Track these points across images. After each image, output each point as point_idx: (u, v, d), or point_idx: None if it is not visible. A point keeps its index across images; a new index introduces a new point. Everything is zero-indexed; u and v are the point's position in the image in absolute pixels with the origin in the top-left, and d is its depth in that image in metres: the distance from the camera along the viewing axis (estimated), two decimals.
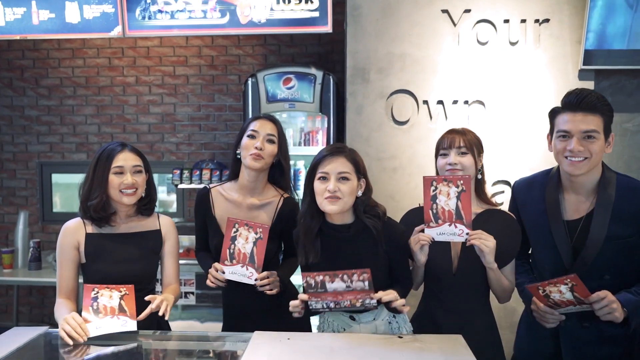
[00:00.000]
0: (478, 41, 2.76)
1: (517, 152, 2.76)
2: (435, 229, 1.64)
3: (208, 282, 1.82)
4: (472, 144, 1.72)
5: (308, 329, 1.99)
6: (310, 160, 3.70)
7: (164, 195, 4.21)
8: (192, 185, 3.55)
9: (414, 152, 2.81)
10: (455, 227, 1.63)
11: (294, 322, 1.82)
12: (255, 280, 1.77)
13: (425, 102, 2.80)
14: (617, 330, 1.62)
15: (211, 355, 1.72)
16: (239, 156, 1.94)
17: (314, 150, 3.44)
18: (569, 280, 1.50)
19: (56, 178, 4.24)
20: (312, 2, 2.98)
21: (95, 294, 1.66)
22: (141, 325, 1.66)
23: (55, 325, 1.67)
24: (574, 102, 1.59)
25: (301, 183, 3.47)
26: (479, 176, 1.76)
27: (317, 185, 1.64)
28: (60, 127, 4.21)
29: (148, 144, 4.14)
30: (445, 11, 2.76)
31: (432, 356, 1.47)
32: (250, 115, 3.25)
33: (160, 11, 3.06)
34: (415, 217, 1.76)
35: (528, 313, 1.77)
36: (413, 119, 2.82)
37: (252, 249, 1.77)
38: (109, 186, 1.78)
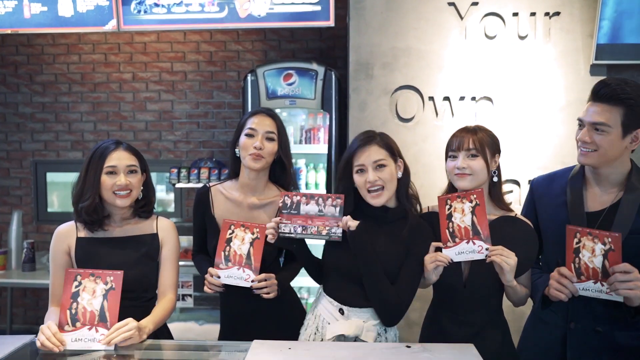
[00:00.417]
0: (486, 35, 2.68)
1: (526, 150, 2.68)
2: (454, 249, 1.57)
3: (205, 289, 1.75)
4: (484, 145, 1.60)
5: None
6: (312, 159, 3.58)
7: (163, 194, 4.14)
8: (190, 185, 3.48)
9: (419, 150, 2.73)
10: (474, 243, 1.55)
11: (293, 330, 1.78)
12: (252, 282, 1.69)
13: (431, 98, 2.71)
14: (634, 342, 1.53)
15: None
16: (237, 154, 1.85)
17: (316, 148, 3.36)
18: (610, 239, 1.42)
19: (51, 177, 4.17)
20: None
21: (76, 287, 1.56)
22: None
23: None
24: (595, 90, 1.52)
25: (302, 182, 3.38)
26: (495, 179, 1.65)
27: (357, 178, 1.63)
28: (55, 125, 4.13)
29: (145, 142, 4.06)
30: (451, 4, 2.68)
31: None
32: None
33: (156, 4, 2.97)
34: (428, 221, 1.67)
35: (535, 314, 1.69)
36: (418, 115, 2.73)
37: (249, 250, 1.70)
38: (101, 187, 1.68)
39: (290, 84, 3.20)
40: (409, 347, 1.53)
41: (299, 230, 1.64)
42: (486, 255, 1.53)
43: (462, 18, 2.68)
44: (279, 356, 1.47)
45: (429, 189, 2.63)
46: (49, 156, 4.14)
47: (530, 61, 2.65)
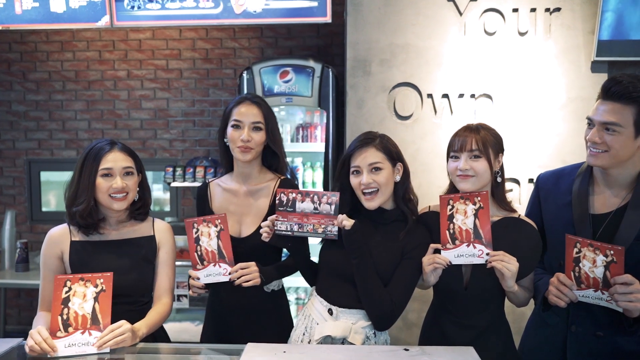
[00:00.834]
0: (485, 31, 2.63)
1: (526, 148, 2.64)
2: (453, 251, 1.53)
3: (190, 292, 1.72)
4: (487, 145, 1.55)
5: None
6: (309, 157, 3.55)
7: (160, 193, 4.10)
8: (186, 184, 3.45)
9: (417, 149, 2.68)
10: (474, 247, 1.51)
11: (278, 330, 1.77)
12: (230, 274, 1.66)
13: (430, 95, 2.67)
14: (635, 347, 1.48)
15: None
16: (227, 143, 1.82)
17: (312, 146, 3.32)
18: (612, 252, 1.37)
19: (45, 176, 4.12)
20: None
21: (66, 292, 1.52)
22: None
23: None
24: (606, 88, 1.46)
25: (299, 181, 3.34)
26: (498, 179, 1.60)
27: (352, 180, 1.62)
28: (49, 123, 4.08)
29: (140, 140, 4.02)
30: (450, 0, 2.62)
31: None
32: None
33: (150, 0, 2.91)
34: (429, 220, 1.63)
35: (536, 314, 1.66)
36: (417, 113, 2.69)
37: (218, 244, 1.67)
38: (96, 190, 1.63)
39: (286, 82, 3.16)
40: (407, 350, 1.49)
41: (295, 228, 1.62)
42: (486, 261, 1.49)
43: (461, 14, 2.63)
44: (274, 359, 1.43)
45: (428, 188, 2.60)
46: (42, 155, 4.10)
47: (530, 58, 2.61)
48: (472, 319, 1.58)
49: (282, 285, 1.88)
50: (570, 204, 1.57)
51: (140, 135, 4.02)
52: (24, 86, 4.06)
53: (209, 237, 1.67)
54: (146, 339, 1.60)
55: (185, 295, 3.41)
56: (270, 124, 1.80)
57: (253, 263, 1.69)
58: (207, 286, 1.70)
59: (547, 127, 2.63)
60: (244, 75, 3.21)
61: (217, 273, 1.67)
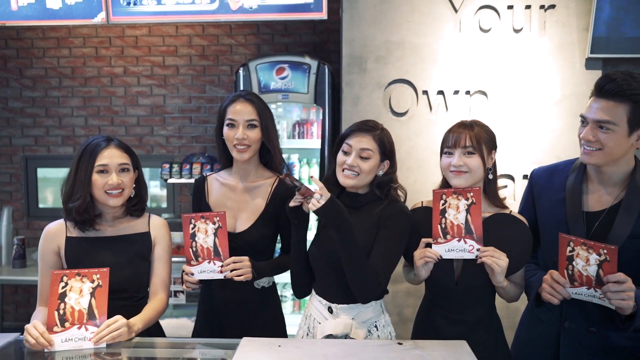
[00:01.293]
0: (480, 28, 2.64)
1: (521, 144, 2.65)
2: (444, 245, 1.54)
3: (183, 287, 1.73)
4: (481, 142, 1.56)
5: (282, 330, 1.90)
6: (305, 154, 3.55)
7: (157, 189, 4.10)
8: (182, 180, 3.45)
9: (412, 146, 2.70)
10: (465, 242, 1.53)
11: (271, 327, 1.78)
12: (223, 269, 1.67)
13: (425, 92, 2.68)
14: (627, 342, 1.49)
15: None
16: (224, 139, 1.82)
17: (309, 143, 3.33)
18: (606, 251, 1.37)
19: (42, 172, 4.12)
20: None
21: (63, 288, 1.53)
22: None
23: None
24: (599, 86, 1.45)
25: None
26: (490, 176, 1.61)
27: (340, 156, 1.64)
28: (46, 120, 4.07)
29: (137, 137, 4.02)
30: None
31: None
32: None
33: None
34: (421, 215, 1.64)
35: (530, 310, 1.67)
36: (412, 110, 2.70)
37: (214, 241, 1.67)
38: (92, 186, 1.63)
39: (282, 78, 3.17)
40: (400, 344, 1.51)
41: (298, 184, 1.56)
42: (477, 256, 1.51)
43: (456, 11, 2.64)
44: (269, 353, 1.44)
45: (422, 185, 2.62)
46: (39, 151, 4.10)
47: (525, 55, 2.62)
48: (463, 313, 1.59)
49: (273, 282, 1.89)
50: (564, 201, 1.58)
51: (136, 132, 4.02)
52: (20, 83, 4.06)
53: (205, 234, 1.68)
54: (142, 334, 1.61)
55: (182, 292, 3.42)
56: (264, 121, 1.80)
57: (246, 258, 1.70)
58: (201, 282, 1.71)
59: (541, 124, 2.64)
60: (241, 71, 3.21)
61: (211, 270, 1.68)
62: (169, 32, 3.92)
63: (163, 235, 1.77)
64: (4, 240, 3.39)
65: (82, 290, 1.54)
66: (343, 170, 1.61)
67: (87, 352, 1.49)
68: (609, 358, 1.52)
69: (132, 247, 1.71)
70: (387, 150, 1.63)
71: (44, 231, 1.69)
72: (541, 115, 2.64)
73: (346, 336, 1.58)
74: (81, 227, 1.67)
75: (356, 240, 1.52)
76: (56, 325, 1.51)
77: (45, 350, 1.47)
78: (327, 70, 3.17)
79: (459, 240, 1.53)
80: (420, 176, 2.66)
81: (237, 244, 1.75)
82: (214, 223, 1.67)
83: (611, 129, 1.43)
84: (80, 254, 1.66)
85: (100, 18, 2.95)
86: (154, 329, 1.73)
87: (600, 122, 1.44)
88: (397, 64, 2.68)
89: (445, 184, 1.67)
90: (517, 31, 2.63)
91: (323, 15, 2.88)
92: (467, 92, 2.66)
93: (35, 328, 1.47)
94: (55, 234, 1.68)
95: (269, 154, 1.86)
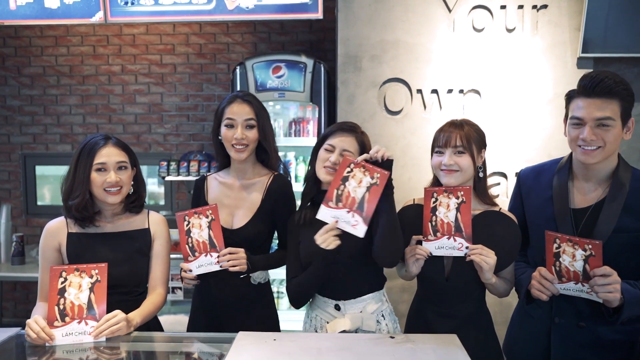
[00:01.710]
0: (474, 28, 2.68)
1: (513, 142, 2.69)
2: (434, 243, 1.58)
3: (183, 284, 1.78)
4: (471, 141, 1.59)
5: (276, 325, 1.93)
6: (301, 152, 3.58)
7: (155, 187, 4.12)
8: (180, 178, 3.46)
9: (407, 144, 2.73)
10: (455, 240, 1.56)
11: (265, 322, 1.80)
12: (219, 261, 1.71)
13: (419, 91, 2.72)
14: (616, 335, 1.53)
15: (195, 356, 1.64)
16: (222, 141, 1.85)
17: (305, 141, 3.36)
18: (590, 246, 1.41)
19: (40, 170, 4.14)
20: None
21: (62, 283, 1.56)
22: None
23: None
24: (588, 86, 1.47)
25: (291, 175, 3.38)
26: (480, 174, 1.64)
27: (322, 153, 1.68)
28: (44, 118, 4.09)
29: (134, 135, 4.04)
30: None
31: (426, 358, 1.39)
32: None
33: None
34: (413, 212, 1.67)
35: (521, 307, 1.70)
36: (406, 108, 2.73)
37: (209, 234, 1.71)
38: (91, 184, 1.66)
39: (279, 77, 3.19)
40: (392, 337, 1.54)
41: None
42: (466, 254, 1.54)
43: (450, 11, 2.67)
44: (264, 347, 1.47)
45: (417, 182, 2.65)
46: (37, 149, 4.11)
47: (518, 54, 2.66)
48: (454, 309, 1.63)
49: (268, 279, 1.93)
50: (551, 199, 1.61)
51: (134, 130, 4.04)
52: (18, 81, 4.07)
53: (200, 229, 1.71)
54: (140, 329, 1.64)
55: (180, 288, 3.44)
56: (261, 121, 1.83)
57: (242, 249, 1.74)
58: (199, 277, 1.74)
59: (534, 122, 2.68)
60: (237, 70, 3.23)
61: (208, 262, 1.71)
62: (166, 30, 3.94)
63: (162, 232, 1.80)
64: (3, 237, 3.40)
65: (81, 286, 1.57)
66: (324, 167, 1.66)
67: (87, 346, 1.52)
68: (599, 352, 1.55)
69: (132, 243, 1.74)
70: (366, 152, 1.65)
71: (45, 228, 1.72)
72: (534, 114, 2.67)
73: (357, 329, 1.63)
74: (81, 224, 1.70)
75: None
76: (56, 320, 1.54)
77: (46, 344, 1.50)
78: (323, 69, 3.19)
79: (448, 238, 1.57)
80: (414, 174, 2.69)
81: (235, 240, 1.78)
82: (206, 216, 1.71)
83: (611, 125, 1.47)
84: (81, 249, 1.69)
85: (98, 17, 2.97)
86: (152, 324, 1.76)
87: (601, 119, 1.47)
88: (392, 63, 2.71)
89: (436, 182, 1.70)
90: (510, 31, 2.66)
91: (319, 15, 2.91)
92: (461, 91, 2.70)
93: (36, 323, 1.51)
94: (56, 231, 1.71)
95: (265, 153, 1.89)
